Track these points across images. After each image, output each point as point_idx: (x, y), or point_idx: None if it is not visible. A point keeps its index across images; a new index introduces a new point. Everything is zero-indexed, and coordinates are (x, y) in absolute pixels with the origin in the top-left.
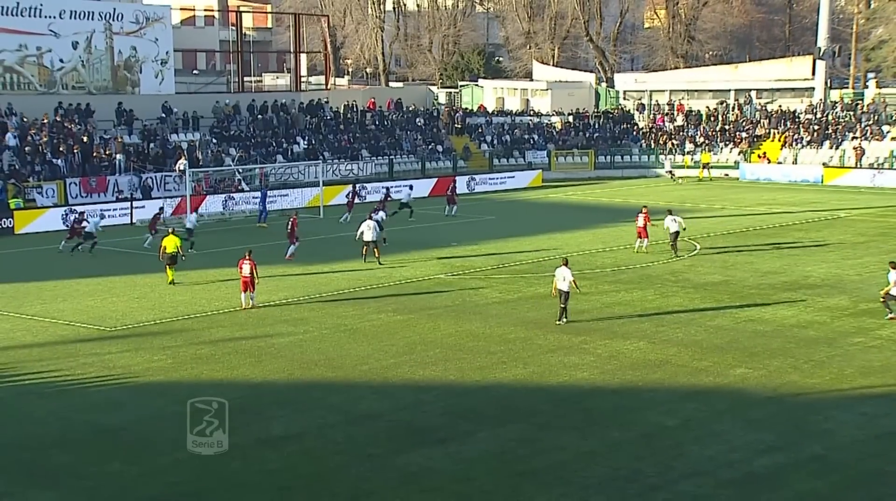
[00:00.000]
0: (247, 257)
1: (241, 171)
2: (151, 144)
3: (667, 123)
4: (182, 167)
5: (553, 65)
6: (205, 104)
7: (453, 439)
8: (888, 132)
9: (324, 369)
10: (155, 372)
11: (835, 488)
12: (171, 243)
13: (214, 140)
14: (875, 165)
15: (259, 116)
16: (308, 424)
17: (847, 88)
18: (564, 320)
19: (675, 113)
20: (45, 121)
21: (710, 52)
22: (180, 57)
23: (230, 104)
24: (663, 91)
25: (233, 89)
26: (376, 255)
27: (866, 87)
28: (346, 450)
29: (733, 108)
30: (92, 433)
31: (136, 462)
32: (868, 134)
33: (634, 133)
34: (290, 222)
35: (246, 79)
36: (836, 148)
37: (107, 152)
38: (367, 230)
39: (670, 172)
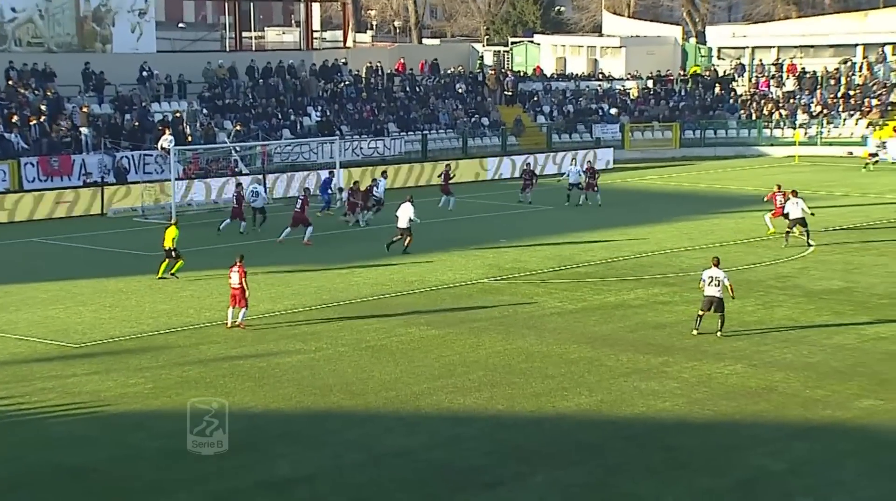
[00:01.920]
0: (237, 264)
1: (238, 149)
2: (127, 116)
3: (773, 89)
4: (166, 145)
5: (629, 16)
6: (194, 66)
7: (501, 484)
8: None
9: (341, 396)
10: (130, 400)
11: None
12: (168, 236)
13: (205, 111)
14: None
15: (261, 82)
16: (321, 464)
17: None
18: (719, 332)
19: (785, 75)
20: None
21: None
22: (162, 7)
23: (225, 66)
24: (769, 48)
25: (228, 48)
26: (406, 244)
27: None
28: (368, 497)
29: (861, 68)
30: (52, 476)
31: None
32: None
33: (731, 101)
34: (300, 202)
35: (244, 34)
36: None
37: (71, 126)
38: (403, 215)
39: (850, 152)
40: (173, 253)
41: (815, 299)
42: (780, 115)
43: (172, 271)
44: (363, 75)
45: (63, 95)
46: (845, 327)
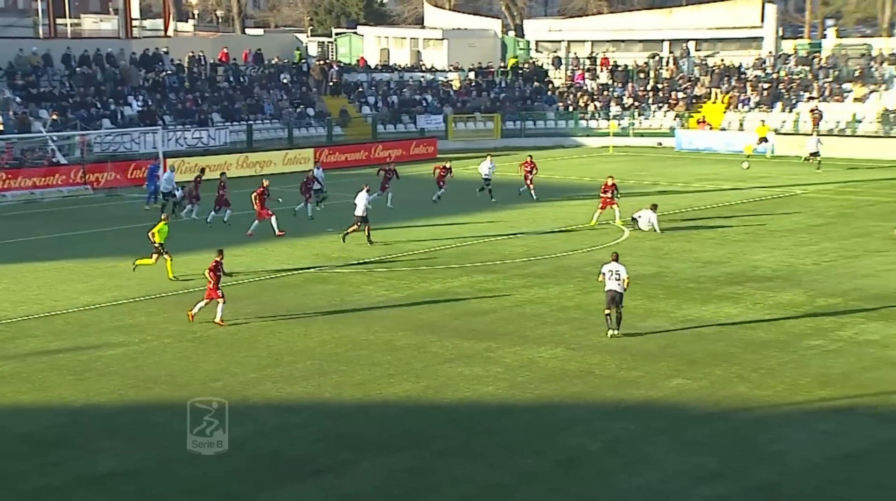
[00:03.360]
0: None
1: (55, 139)
2: None
3: (588, 82)
4: None
5: (450, 9)
6: (5, 53)
7: (329, 471)
8: (850, 92)
9: (166, 387)
10: None
11: None
12: (159, 233)
13: (19, 99)
14: (835, 131)
15: (78, 70)
16: (145, 458)
17: (802, 37)
18: (617, 330)
19: (598, 69)
20: None
21: None
22: None
23: (38, 54)
24: (583, 42)
25: (42, 34)
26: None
27: (824, 36)
28: (194, 489)
29: (667, 62)
30: None
31: None
32: (826, 94)
33: (549, 93)
34: (220, 184)
35: (59, 21)
36: (790, 111)
37: None
38: (360, 203)
39: (660, 142)
40: (162, 249)
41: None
42: (595, 107)
43: (136, 264)
44: (185, 65)
45: None
46: (656, 310)
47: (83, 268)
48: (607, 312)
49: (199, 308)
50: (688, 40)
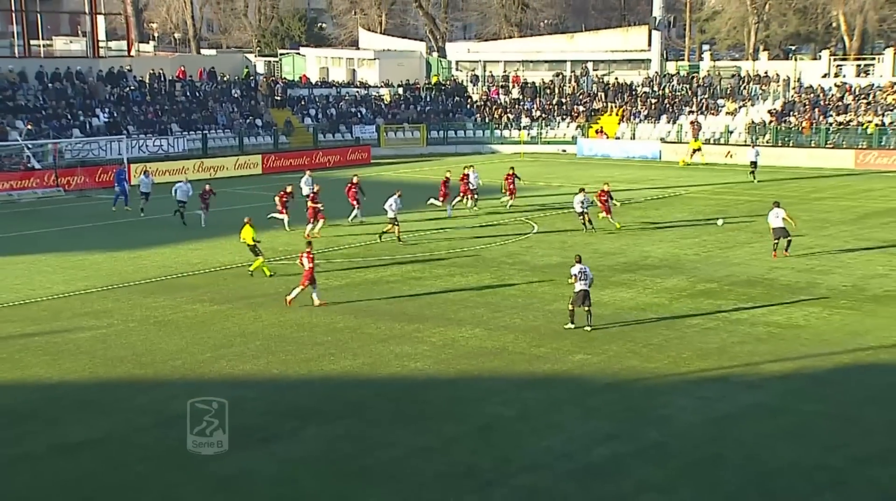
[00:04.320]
0: (307, 251)
1: (30, 146)
2: None
3: (501, 96)
4: None
5: (381, 32)
6: None
7: (276, 438)
8: (723, 106)
9: (131, 366)
10: None
11: (673, 475)
12: (246, 235)
13: None
14: (711, 140)
15: (50, 85)
16: (112, 428)
17: (683, 60)
18: (590, 326)
19: (511, 85)
20: None
21: (546, 21)
22: None
23: (14, 71)
24: (498, 62)
25: (17, 54)
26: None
27: (701, 59)
28: (155, 456)
29: (570, 80)
30: None
31: None
32: (704, 108)
33: (468, 107)
34: (204, 191)
35: (33, 42)
36: (674, 123)
37: None
38: (388, 207)
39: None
40: (257, 248)
41: (538, 272)
42: (508, 118)
43: (252, 269)
44: (147, 81)
45: None
46: (561, 295)
47: (56, 261)
48: (572, 307)
49: (295, 294)
50: (587, 61)
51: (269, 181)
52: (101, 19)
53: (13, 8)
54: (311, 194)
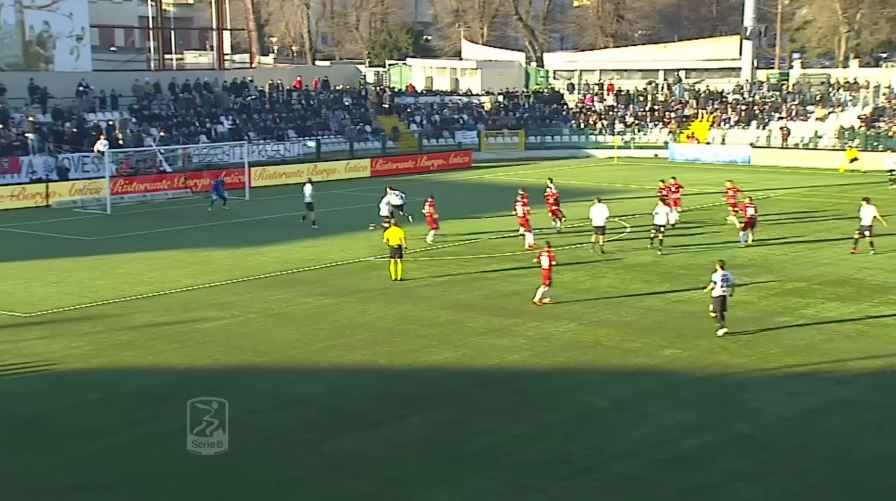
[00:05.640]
0: (547, 249)
1: (162, 151)
2: (67, 124)
3: (596, 103)
4: (101, 148)
5: (482, 44)
6: (124, 82)
7: (383, 423)
8: (812, 112)
9: (251, 354)
10: (74, 360)
11: (761, 466)
12: (394, 235)
13: (134, 120)
14: (800, 145)
15: (181, 95)
16: (234, 410)
17: (773, 68)
18: (724, 328)
19: (605, 93)
20: None
21: (640, 32)
22: (97, 33)
23: (150, 83)
24: (593, 71)
25: (153, 67)
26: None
27: (791, 67)
28: (273, 437)
29: (662, 88)
30: (7, 423)
31: (54, 452)
32: (793, 114)
33: (564, 113)
34: (426, 203)
35: (167, 56)
36: (763, 128)
37: (19, 132)
38: (385, 205)
39: (656, 154)
40: (402, 251)
41: (630, 270)
42: (602, 124)
43: (400, 277)
44: (267, 91)
45: (12, 107)
46: (653, 292)
47: (185, 256)
48: (713, 313)
49: (542, 293)
50: (679, 70)
51: (377, 184)
52: (226, 35)
53: (151, 26)
54: (430, 201)
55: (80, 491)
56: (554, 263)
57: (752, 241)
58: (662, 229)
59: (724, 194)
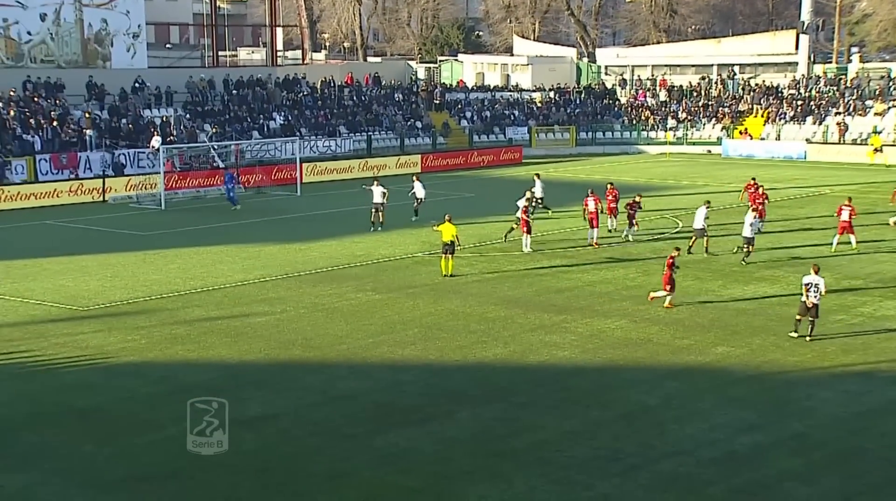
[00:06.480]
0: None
1: (216, 147)
2: (123, 120)
3: (648, 99)
4: (156, 144)
5: (534, 39)
6: (178, 79)
7: (433, 419)
8: (871, 107)
9: (301, 349)
10: (128, 353)
11: (815, 466)
12: (447, 232)
13: (188, 116)
14: (859, 141)
15: (234, 92)
16: (285, 404)
17: (830, 62)
18: (809, 336)
19: (658, 88)
20: (13, 95)
21: (693, 27)
22: (153, 30)
23: (204, 79)
24: (645, 66)
25: (207, 64)
26: (381, 220)
27: (850, 61)
28: (323, 431)
29: (716, 83)
30: (64, 415)
31: (109, 443)
32: (851, 109)
33: (616, 109)
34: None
35: (220, 53)
36: (820, 124)
37: (77, 128)
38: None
39: (709, 150)
40: (454, 247)
41: (682, 267)
42: (655, 120)
43: (450, 273)
44: (318, 87)
45: (70, 103)
46: (706, 290)
47: (237, 251)
48: (798, 317)
49: (667, 297)
50: (734, 65)
51: (427, 179)
52: (279, 31)
53: (205, 23)
54: (531, 203)
55: (135, 483)
56: (672, 270)
57: (856, 246)
58: (752, 242)
59: (745, 189)
